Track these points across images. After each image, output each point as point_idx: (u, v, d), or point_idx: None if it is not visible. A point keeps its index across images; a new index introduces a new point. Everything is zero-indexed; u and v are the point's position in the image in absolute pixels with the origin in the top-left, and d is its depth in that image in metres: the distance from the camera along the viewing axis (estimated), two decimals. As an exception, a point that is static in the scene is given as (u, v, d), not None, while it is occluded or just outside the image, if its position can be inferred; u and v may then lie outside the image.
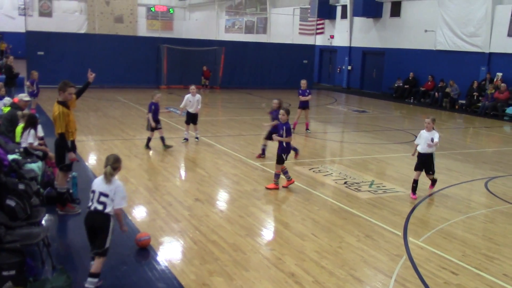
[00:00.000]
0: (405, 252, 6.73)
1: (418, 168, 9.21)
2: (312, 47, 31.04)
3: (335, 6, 31.92)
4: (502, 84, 21.13)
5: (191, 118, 13.06)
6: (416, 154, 9.30)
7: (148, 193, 8.84)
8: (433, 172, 9.37)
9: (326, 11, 31.71)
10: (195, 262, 6.17)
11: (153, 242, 6.69)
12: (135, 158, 11.30)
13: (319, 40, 32.75)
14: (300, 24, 33.99)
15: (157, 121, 12.08)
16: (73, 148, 7.62)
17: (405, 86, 26.26)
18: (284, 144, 9.20)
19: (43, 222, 6.88)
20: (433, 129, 9.08)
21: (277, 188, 9.29)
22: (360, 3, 28.34)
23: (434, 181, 9.55)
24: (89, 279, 5.34)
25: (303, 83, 15.54)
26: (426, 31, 25.52)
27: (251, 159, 11.64)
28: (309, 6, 32.28)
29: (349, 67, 31.35)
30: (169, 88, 26.24)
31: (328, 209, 8.49)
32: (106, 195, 5.38)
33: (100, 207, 5.36)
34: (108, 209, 5.37)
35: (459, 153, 13.53)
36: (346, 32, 31.23)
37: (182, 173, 10.68)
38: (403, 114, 22.22)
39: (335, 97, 26.82)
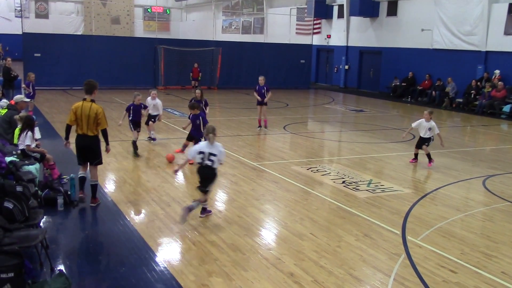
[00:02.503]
0: (404, 250, 6.73)
1: (418, 146, 11.81)
2: (309, 47, 31.07)
3: (332, 6, 31.94)
4: (499, 83, 21.17)
5: (150, 119, 13.11)
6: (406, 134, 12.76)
7: (146, 194, 8.83)
8: (428, 144, 11.67)
9: (322, 11, 31.75)
10: (194, 262, 6.16)
11: (152, 243, 6.68)
12: (133, 159, 11.28)
13: (316, 40, 32.78)
14: (297, 24, 34.01)
15: (136, 123, 11.95)
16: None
17: (403, 84, 26.29)
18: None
19: (41, 224, 6.86)
20: (431, 119, 11.47)
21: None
22: (357, 3, 28.38)
23: (429, 156, 11.49)
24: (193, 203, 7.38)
25: (261, 79, 15.53)
26: (422, 30, 25.56)
27: (249, 159, 11.63)
28: (306, 6, 32.33)
29: (346, 67, 31.38)
30: (167, 88, 26.23)
31: (326, 208, 8.49)
32: (214, 155, 7.36)
33: (209, 163, 7.38)
34: (215, 165, 7.40)
35: (457, 152, 13.55)
36: (343, 32, 31.27)
37: (180, 174, 10.66)
38: (401, 113, 22.24)
39: (333, 97, 26.83)
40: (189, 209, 7.31)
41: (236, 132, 15.25)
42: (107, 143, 8.12)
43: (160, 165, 10.84)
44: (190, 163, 9.71)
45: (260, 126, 15.66)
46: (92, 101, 7.84)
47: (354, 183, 9.91)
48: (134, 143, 11.72)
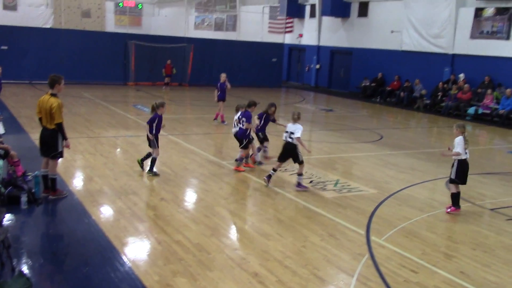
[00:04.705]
0: (367, 251, 6.86)
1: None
2: (281, 45, 31.21)
3: (304, 5, 32.13)
4: (466, 85, 21.68)
5: None
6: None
7: (113, 192, 8.75)
8: None
9: (295, 10, 31.90)
10: (159, 262, 6.15)
11: (117, 243, 6.64)
12: (101, 156, 11.16)
13: (288, 39, 32.94)
14: (270, 23, 34.11)
15: (158, 138, 10.17)
16: None
17: (373, 85, 26.67)
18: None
19: (3, 222, 6.74)
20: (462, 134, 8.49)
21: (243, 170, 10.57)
22: (329, 3, 28.64)
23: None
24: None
25: (223, 76, 16.34)
26: (392, 31, 25.96)
27: (218, 158, 11.64)
28: (279, 5, 32.43)
29: (318, 66, 31.62)
30: (137, 85, 25.98)
31: (293, 208, 8.58)
32: (292, 133, 9.24)
33: (289, 140, 9.29)
34: (294, 141, 9.25)
35: (423, 153, 13.84)
36: (314, 31, 31.49)
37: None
38: (370, 113, 22.56)
39: (303, 96, 27.02)
40: (269, 176, 9.57)
41: (206, 131, 15.23)
42: (64, 138, 8.07)
43: (128, 163, 10.74)
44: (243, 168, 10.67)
45: (216, 118, 16.30)
46: (53, 95, 7.91)
47: (321, 183, 10.03)
48: (155, 160, 9.95)
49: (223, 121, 16.13)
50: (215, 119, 16.31)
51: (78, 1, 44.73)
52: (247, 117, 10.79)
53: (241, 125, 10.80)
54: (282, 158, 9.55)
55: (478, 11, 22.14)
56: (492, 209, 9.03)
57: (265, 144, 11.54)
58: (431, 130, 19.40)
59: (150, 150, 10.05)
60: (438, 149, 14.87)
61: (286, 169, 10.90)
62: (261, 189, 9.48)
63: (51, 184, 8.23)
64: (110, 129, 14.47)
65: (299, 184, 9.50)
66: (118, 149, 12.32)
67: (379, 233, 7.54)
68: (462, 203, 8.79)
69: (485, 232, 7.91)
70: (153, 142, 9.93)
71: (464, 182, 8.58)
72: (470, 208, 9.03)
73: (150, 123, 9.86)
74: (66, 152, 8.49)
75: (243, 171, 10.59)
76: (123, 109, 18.17)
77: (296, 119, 9.43)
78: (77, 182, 9.32)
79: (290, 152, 9.37)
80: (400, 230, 7.75)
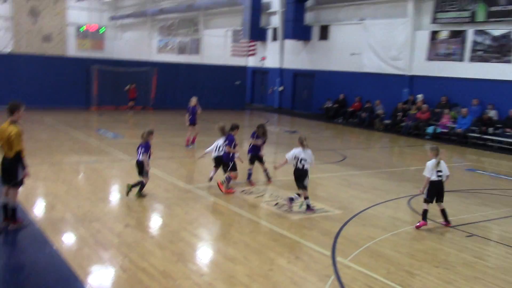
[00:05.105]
0: (333, 272, 6.93)
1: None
2: (244, 68, 31.51)
3: (267, 29, 32.64)
4: (424, 105, 22.34)
5: None
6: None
7: (75, 220, 8.57)
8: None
9: (257, 34, 32.34)
10: (124, 291, 6.05)
11: (80, 272, 6.50)
12: (63, 183, 10.93)
13: (251, 62, 33.31)
14: (233, 46, 34.47)
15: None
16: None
17: (335, 106, 27.14)
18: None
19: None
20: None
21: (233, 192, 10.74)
22: (290, 27, 29.19)
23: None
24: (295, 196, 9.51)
25: (193, 100, 16.19)
26: (352, 54, 26.61)
27: (183, 182, 11.58)
28: (241, 28, 32.83)
29: (281, 88, 32.02)
30: (100, 109, 25.69)
31: (259, 231, 8.60)
32: (305, 160, 9.42)
33: (300, 166, 9.42)
34: (306, 167, 9.43)
35: (385, 172, 14.12)
36: (277, 54, 31.97)
37: (112, 198, 10.45)
38: (333, 134, 22.92)
39: (268, 118, 27.24)
40: (291, 199, 9.56)
41: (171, 155, 15.14)
42: (23, 167, 7.90)
43: (91, 189, 10.57)
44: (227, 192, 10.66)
45: (188, 145, 16.02)
46: (13, 122, 7.75)
47: (287, 205, 10.08)
48: (145, 185, 10.12)
49: (192, 143, 16.02)
50: (188, 145, 16.03)
51: (39, 26, 44.17)
52: (230, 141, 10.83)
53: (226, 149, 10.86)
54: (298, 183, 9.60)
55: (434, 34, 22.98)
56: (453, 226, 9.27)
57: (250, 167, 11.73)
58: (392, 149, 19.83)
59: (138, 177, 10.13)
60: (400, 169, 15.22)
61: (251, 192, 10.94)
62: (227, 213, 9.48)
63: (12, 213, 8.00)
64: (72, 155, 14.23)
65: (308, 207, 9.65)
66: (81, 175, 12.12)
67: (344, 253, 7.63)
68: (423, 221, 8.99)
69: (446, 250, 8.10)
70: (146, 170, 10.00)
71: (431, 201, 9.08)
72: (432, 226, 9.23)
73: (148, 151, 10.02)
74: (27, 179, 8.30)
75: (234, 192, 10.68)
76: (86, 134, 17.91)
77: (305, 145, 9.49)
78: (39, 211, 9.11)
79: (302, 176, 9.47)
80: (365, 250, 7.86)
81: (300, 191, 9.55)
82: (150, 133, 10.31)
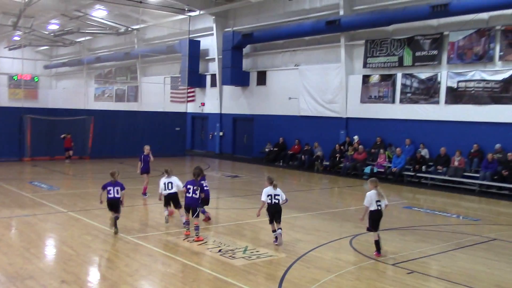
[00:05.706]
0: (279, 317, 6.84)
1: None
2: (183, 114, 31.52)
3: (205, 75, 33.02)
4: (360, 146, 23.07)
5: None
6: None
7: (6, 279, 8.05)
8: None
9: (196, 80, 32.66)
10: None
11: (12, 335, 6.07)
12: (-8, 240, 10.32)
13: (191, 108, 33.42)
14: (171, 92, 34.54)
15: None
16: None
17: (275, 149, 27.50)
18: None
19: None
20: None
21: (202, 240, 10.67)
22: (228, 73, 29.65)
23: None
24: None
25: (146, 148, 16.02)
26: (290, 98, 27.29)
27: (123, 233, 11.22)
28: (180, 75, 33.03)
29: (221, 133, 32.19)
30: (33, 160, 24.76)
31: (203, 279, 8.40)
32: (278, 195, 10.44)
33: (276, 201, 10.39)
34: (281, 202, 10.49)
35: (326, 213, 14.31)
36: (216, 100, 32.28)
37: (47, 253, 9.94)
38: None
39: (208, 163, 27.17)
40: (280, 234, 10.43)
41: (110, 204, 14.67)
42: None
43: (24, 245, 10.01)
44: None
45: (145, 193, 15.71)
46: None
47: (230, 251, 9.96)
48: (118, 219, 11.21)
49: (144, 193, 15.63)
50: (144, 193, 15.66)
51: (-32, 75, 42.55)
52: (201, 186, 11.14)
53: (194, 194, 10.82)
54: (273, 219, 10.52)
55: (365, 78, 24.04)
56: (393, 264, 9.44)
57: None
58: (332, 190, 20.19)
59: (112, 214, 11.01)
60: (341, 209, 15.48)
61: (194, 239, 10.74)
62: (169, 262, 9.23)
63: None
64: (3, 209, 13.52)
65: (276, 239, 10.46)
66: (13, 230, 11.50)
67: (289, 297, 7.56)
68: (365, 261, 9.12)
69: (388, 288, 8.22)
70: (122, 206, 11.24)
71: (376, 229, 9.90)
72: (373, 265, 9.38)
73: (123, 188, 11.27)
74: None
75: (203, 240, 10.60)
76: (18, 187, 17.12)
77: (276, 185, 10.50)
78: (-35, 271, 8.50)
79: (278, 212, 10.45)
80: (310, 292, 7.84)
81: (279, 225, 10.43)
82: (117, 172, 11.57)
